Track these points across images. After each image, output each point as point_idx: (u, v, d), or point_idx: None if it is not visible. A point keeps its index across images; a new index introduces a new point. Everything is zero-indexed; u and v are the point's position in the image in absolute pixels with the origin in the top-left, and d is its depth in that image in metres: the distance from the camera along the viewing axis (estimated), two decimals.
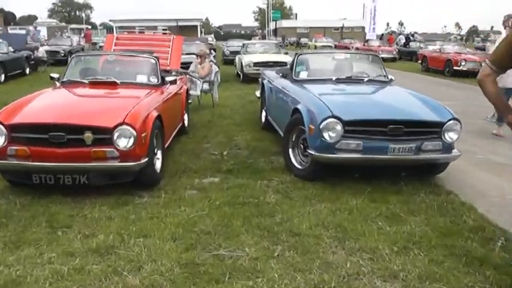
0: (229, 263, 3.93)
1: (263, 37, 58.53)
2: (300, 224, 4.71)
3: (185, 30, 46.80)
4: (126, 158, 5.22)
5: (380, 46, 35.54)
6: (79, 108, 5.89)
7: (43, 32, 44.35)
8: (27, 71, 20.08)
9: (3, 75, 17.39)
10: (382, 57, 8.93)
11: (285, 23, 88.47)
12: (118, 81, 6.79)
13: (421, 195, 5.59)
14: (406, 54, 34.86)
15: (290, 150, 6.54)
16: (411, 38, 41.59)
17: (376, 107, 6.22)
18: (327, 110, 5.72)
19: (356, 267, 3.89)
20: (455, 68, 21.08)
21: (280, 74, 8.39)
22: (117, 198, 5.32)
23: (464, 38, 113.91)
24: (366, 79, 7.39)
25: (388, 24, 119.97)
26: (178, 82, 7.99)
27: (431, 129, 5.84)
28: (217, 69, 12.52)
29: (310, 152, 5.82)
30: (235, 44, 28.66)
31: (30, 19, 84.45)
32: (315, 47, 45.25)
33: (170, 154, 7.08)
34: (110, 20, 61.17)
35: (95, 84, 6.85)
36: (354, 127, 5.67)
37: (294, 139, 6.49)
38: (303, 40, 63.44)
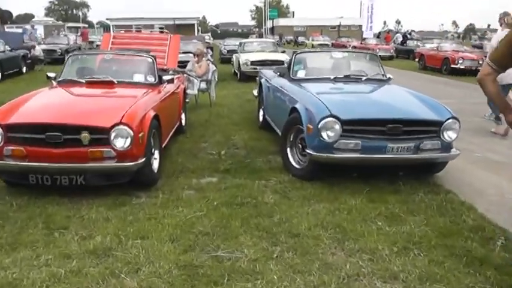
0: (228, 265, 3.90)
1: (260, 36, 58.34)
2: (298, 224, 4.68)
3: (182, 28, 46.72)
4: (123, 158, 5.18)
5: (377, 44, 35.56)
6: (76, 108, 5.85)
7: (40, 31, 44.29)
8: (24, 70, 20.01)
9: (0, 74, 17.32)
10: (379, 56, 8.88)
11: (282, 22, 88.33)
12: (115, 81, 6.76)
13: (420, 195, 5.56)
14: (403, 52, 34.95)
15: (288, 149, 6.50)
16: (408, 36, 41.64)
17: (375, 106, 6.20)
18: (325, 109, 5.69)
19: (356, 268, 3.86)
20: (452, 66, 21.08)
21: (278, 73, 8.37)
22: (115, 199, 5.28)
23: (461, 36, 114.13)
24: (364, 78, 7.36)
25: (385, 22, 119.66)
26: (175, 81, 7.96)
27: (430, 128, 5.82)
28: (214, 68, 12.48)
29: (308, 151, 5.78)
30: (232, 43, 28.58)
31: (27, 18, 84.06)
32: (312, 46, 45.23)
33: (167, 154, 7.04)
34: (107, 19, 61.05)
35: (91, 83, 6.81)
36: (352, 126, 5.63)
37: (292, 138, 6.46)
38: (300, 39, 63.40)
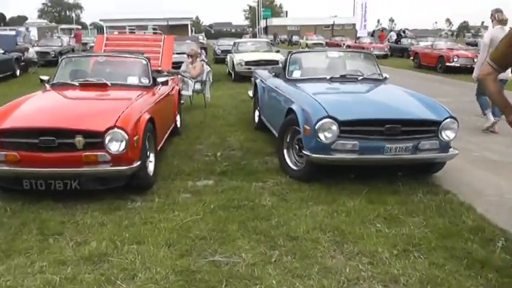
0: (225, 270, 3.84)
1: (254, 35, 58.37)
2: (296, 227, 4.62)
3: (176, 29, 46.59)
4: (118, 162, 5.11)
5: (371, 43, 35.58)
6: (69, 111, 5.78)
7: (33, 33, 44.06)
8: (18, 72, 19.89)
9: None
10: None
11: (275, 21, 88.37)
12: (109, 83, 6.70)
13: (419, 195, 5.51)
14: (398, 50, 34.95)
15: (285, 151, 6.44)
16: (402, 34, 41.68)
17: (372, 106, 6.14)
18: (322, 110, 5.63)
19: (356, 272, 3.81)
20: (447, 64, 21.04)
21: (273, 73, 8.33)
22: (110, 203, 5.21)
23: (455, 33, 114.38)
24: (360, 78, 7.31)
25: (378, 21, 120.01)
26: (170, 83, 7.88)
27: (428, 128, 5.78)
28: (209, 69, 12.42)
29: (305, 152, 5.72)
30: (226, 43, 28.53)
31: (20, 20, 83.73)
32: (306, 45, 45.19)
33: (163, 156, 6.97)
34: (100, 20, 60.97)
35: (85, 86, 6.75)
36: (349, 127, 5.58)
37: (288, 140, 6.40)
38: (295, 38, 63.39)
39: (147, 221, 4.78)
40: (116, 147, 5.07)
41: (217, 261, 3.99)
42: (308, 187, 5.77)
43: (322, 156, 5.60)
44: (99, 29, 58.74)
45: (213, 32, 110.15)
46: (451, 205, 5.24)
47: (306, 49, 31.34)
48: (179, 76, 10.48)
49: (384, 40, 40.69)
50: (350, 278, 3.73)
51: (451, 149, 5.92)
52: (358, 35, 43.83)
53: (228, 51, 21.96)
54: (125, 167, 5.12)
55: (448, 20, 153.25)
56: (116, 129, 5.06)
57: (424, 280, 3.69)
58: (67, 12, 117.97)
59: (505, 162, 7.12)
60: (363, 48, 29.59)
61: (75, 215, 4.93)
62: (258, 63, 16.33)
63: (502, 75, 8.31)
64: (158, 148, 6.51)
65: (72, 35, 41.27)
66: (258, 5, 71.80)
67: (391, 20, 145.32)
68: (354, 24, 55.74)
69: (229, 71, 19.60)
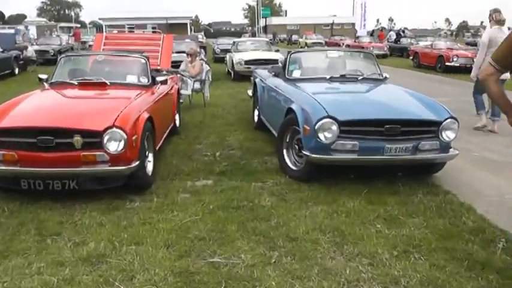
0: (224, 271, 3.81)
1: (253, 34, 58.23)
2: (296, 228, 4.59)
3: (175, 28, 46.54)
4: (116, 161, 5.08)
5: (371, 42, 35.57)
6: (68, 110, 5.75)
7: (32, 31, 44.02)
8: (16, 71, 19.85)
9: None
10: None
11: (274, 20, 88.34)
12: (108, 82, 6.66)
13: (419, 196, 5.49)
14: (397, 50, 34.95)
15: (284, 151, 6.41)
16: (402, 34, 41.64)
17: (372, 106, 6.11)
18: (322, 110, 5.60)
19: (356, 274, 3.78)
20: (447, 63, 21.03)
21: (273, 73, 8.31)
22: (108, 203, 5.18)
23: (454, 33, 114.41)
24: (360, 77, 7.28)
25: (378, 20, 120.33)
26: (169, 82, 7.85)
27: (428, 128, 5.75)
28: (208, 68, 12.39)
29: (305, 153, 5.70)
30: (225, 42, 28.52)
31: (19, 18, 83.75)
32: (306, 44, 45.16)
33: (162, 156, 6.94)
34: (100, 19, 60.89)
35: (84, 85, 6.72)
36: (349, 127, 5.56)
37: (288, 140, 6.37)
38: (294, 37, 63.35)
39: (145, 221, 4.75)
40: (114, 147, 5.04)
41: (217, 262, 3.96)
42: (308, 187, 5.74)
43: (322, 156, 5.57)
44: (98, 28, 58.75)
45: (212, 31, 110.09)
46: (451, 206, 5.22)
47: (306, 48, 31.37)
48: (178, 75, 10.45)
49: (383, 40, 40.68)
50: (350, 279, 3.71)
51: (451, 150, 5.89)
52: (357, 34, 43.80)
53: (227, 50, 21.96)
54: (124, 167, 5.09)
55: (447, 20, 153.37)
56: (114, 129, 5.03)
57: (425, 282, 3.67)
58: (66, 10, 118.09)
59: (505, 162, 7.10)
60: (363, 47, 29.59)
61: (73, 215, 4.89)
62: (258, 62, 16.32)
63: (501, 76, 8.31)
64: (157, 148, 6.48)
65: (71, 34, 41.24)
66: (257, 4, 71.62)
67: (391, 20, 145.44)
68: (353, 24, 55.85)
69: (228, 70, 19.57)
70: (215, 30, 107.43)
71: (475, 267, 3.87)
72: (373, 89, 7.03)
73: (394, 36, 39.89)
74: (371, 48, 28.06)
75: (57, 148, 5.01)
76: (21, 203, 5.18)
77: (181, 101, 9.74)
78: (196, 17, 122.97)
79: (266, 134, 8.22)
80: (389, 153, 5.54)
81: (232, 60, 18.23)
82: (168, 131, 7.72)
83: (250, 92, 10.03)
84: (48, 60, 23.89)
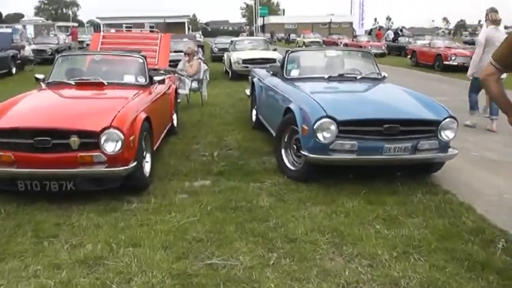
0: (223, 273, 3.77)
1: (251, 33, 58.19)
2: (295, 229, 4.56)
3: (172, 27, 46.47)
4: (114, 162, 5.04)
5: (369, 41, 35.62)
6: (65, 111, 5.70)
7: (30, 30, 43.90)
8: (14, 70, 19.80)
9: None
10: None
11: (272, 19, 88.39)
12: (105, 82, 6.62)
13: (418, 196, 5.46)
14: (395, 49, 34.93)
15: (283, 150, 6.38)
16: (400, 33, 41.61)
17: (371, 105, 6.08)
18: (320, 109, 5.57)
19: (355, 275, 3.75)
20: (445, 62, 21.00)
21: (271, 72, 8.27)
22: (105, 205, 5.14)
23: (452, 32, 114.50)
24: (358, 77, 7.25)
25: (375, 19, 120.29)
26: (166, 81, 7.82)
27: (427, 127, 5.72)
28: (206, 67, 12.34)
29: (303, 152, 5.67)
30: (223, 41, 28.52)
31: (17, 17, 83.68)
32: (304, 43, 45.12)
33: (159, 156, 6.90)
34: (97, 18, 60.81)
35: (81, 85, 6.68)
36: (348, 127, 5.52)
37: (286, 139, 6.34)
38: (292, 36, 63.33)
39: (143, 222, 4.71)
40: (111, 147, 5.00)
41: (215, 264, 3.93)
42: (306, 187, 5.71)
43: (321, 156, 5.54)
44: (96, 27, 58.60)
45: (209, 30, 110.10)
46: (451, 205, 5.19)
47: (303, 47, 31.34)
48: (176, 74, 10.42)
49: (381, 38, 40.68)
50: (349, 281, 3.67)
51: (450, 149, 5.87)
52: (355, 33, 43.78)
53: (225, 50, 21.88)
54: (121, 168, 5.05)
55: (445, 19, 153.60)
56: (111, 129, 4.99)
57: (425, 283, 3.64)
58: (64, 9, 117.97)
59: (504, 162, 7.08)
60: (360, 46, 29.62)
61: (70, 217, 4.85)
62: (255, 61, 16.32)
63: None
64: (155, 148, 6.43)
65: (69, 33, 41.17)
66: (255, 3, 71.61)
67: (388, 19, 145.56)
68: (351, 23, 55.84)
69: (226, 70, 19.53)
70: (213, 29, 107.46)
71: (475, 268, 3.85)
72: (371, 88, 7.00)
73: (392, 35, 39.86)
74: (369, 47, 28.12)
75: (54, 149, 4.96)
76: (18, 205, 5.13)
77: (179, 100, 9.70)
78: (194, 16, 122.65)
79: (264, 133, 8.18)
80: (388, 153, 5.51)
81: (230, 60, 18.19)
82: (165, 131, 7.68)
83: (248, 92, 9.99)
84: (45, 59, 23.85)
